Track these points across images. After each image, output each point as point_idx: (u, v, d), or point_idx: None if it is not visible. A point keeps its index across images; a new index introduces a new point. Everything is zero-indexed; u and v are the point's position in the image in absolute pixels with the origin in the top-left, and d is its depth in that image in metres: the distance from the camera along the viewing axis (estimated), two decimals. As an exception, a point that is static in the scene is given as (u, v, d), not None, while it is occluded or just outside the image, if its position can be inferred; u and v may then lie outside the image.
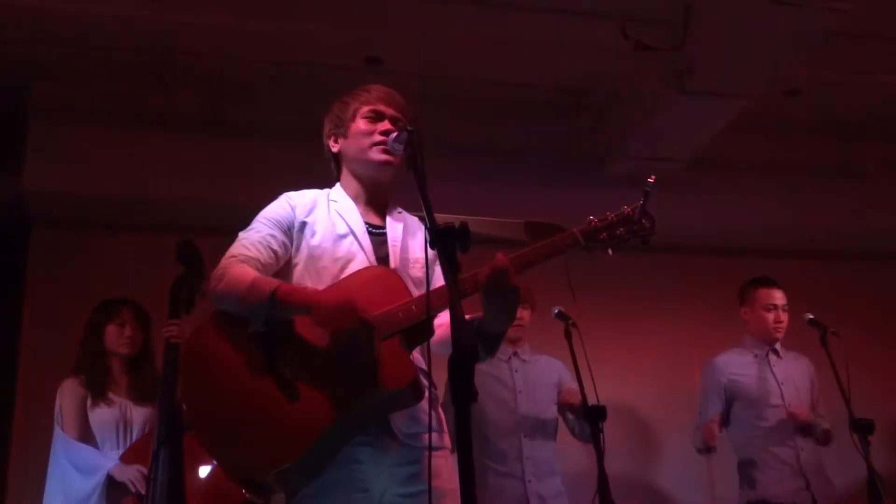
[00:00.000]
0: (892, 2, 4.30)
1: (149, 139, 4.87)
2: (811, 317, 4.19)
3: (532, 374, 4.30)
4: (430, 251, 2.24)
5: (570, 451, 4.48)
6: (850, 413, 3.80)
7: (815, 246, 5.93)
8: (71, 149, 4.77)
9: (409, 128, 2.28)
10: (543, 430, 4.21)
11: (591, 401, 3.71)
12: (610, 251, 2.41)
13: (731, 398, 4.48)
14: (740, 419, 4.45)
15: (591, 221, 2.42)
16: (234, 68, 4.79)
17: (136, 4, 4.18)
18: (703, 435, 4.37)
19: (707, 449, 4.40)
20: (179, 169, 4.86)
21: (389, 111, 2.53)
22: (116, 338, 3.97)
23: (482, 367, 4.10)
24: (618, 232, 2.40)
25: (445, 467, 2.35)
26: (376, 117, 2.52)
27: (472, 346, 1.70)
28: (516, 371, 4.29)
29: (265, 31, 4.50)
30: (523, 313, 4.27)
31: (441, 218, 2.07)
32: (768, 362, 4.50)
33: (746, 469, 4.42)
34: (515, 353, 4.33)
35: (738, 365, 4.52)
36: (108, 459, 3.71)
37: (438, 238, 1.88)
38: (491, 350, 2.34)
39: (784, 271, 4.77)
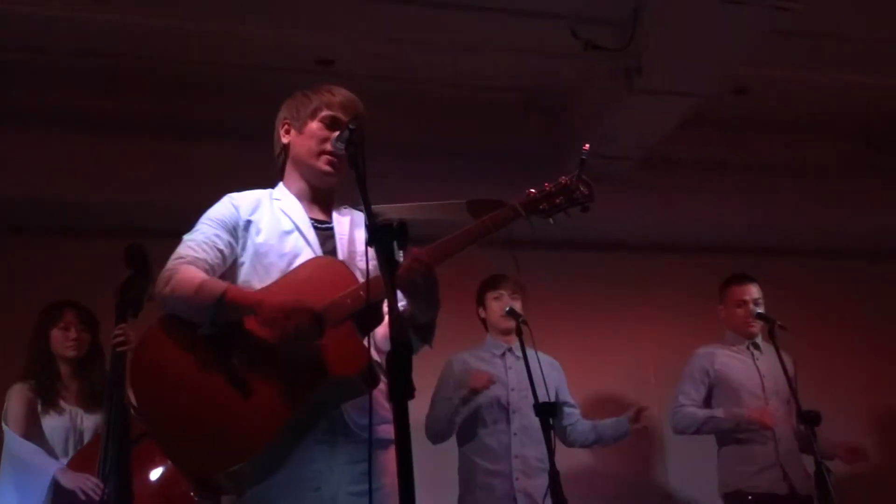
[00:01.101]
0: (838, 0, 4.37)
1: (95, 142, 4.80)
2: (760, 311, 4.25)
3: (527, 372, 4.27)
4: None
5: (564, 450, 4.44)
6: (798, 405, 3.86)
7: (765, 243, 6.01)
8: (14, 152, 4.70)
9: (350, 126, 2.27)
10: (535, 428, 4.15)
11: (542, 398, 3.71)
12: (552, 220, 2.45)
13: (713, 386, 4.55)
14: (721, 408, 4.50)
15: (529, 193, 2.45)
16: (182, 70, 4.76)
17: (82, 5, 4.11)
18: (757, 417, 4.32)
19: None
20: (126, 172, 4.80)
21: (346, 121, 2.48)
22: (62, 341, 3.94)
23: (477, 365, 4.20)
24: (557, 201, 2.43)
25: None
26: (332, 124, 2.50)
27: (406, 341, 1.71)
28: (510, 368, 4.25)
29: (213, 33, 4.47)
30: (516, 304, 4.22)
31: (385, 209, 2.08)
32: (751, 356, 4.57)
33: (725, 459, 4.49)
34: (510, 349, 4.29)
35: (723, 355, 4.59)
36: (52, 462, 3.64)
37: (376, 235, 1.88)
38: (426, 339, 2.37)
39: (735, 268, 4.81)
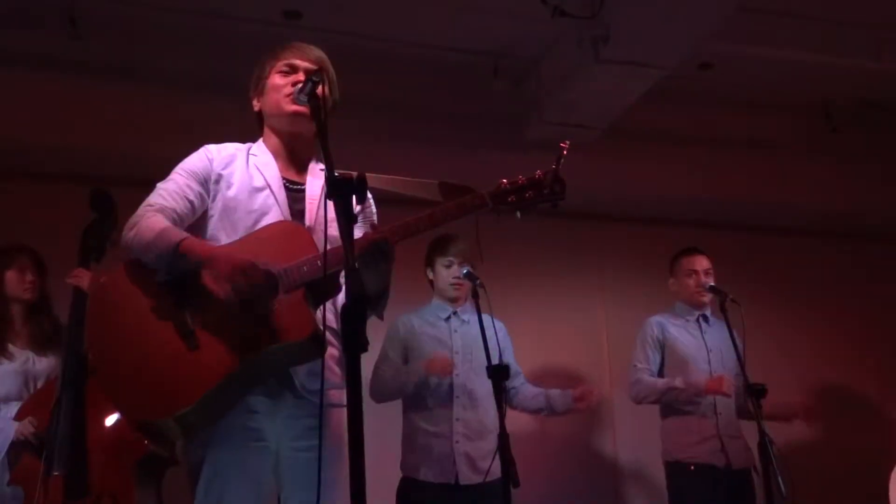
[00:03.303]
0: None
1: (58, 85, 4.69)
2: (711, 284, 4.31)
3: (471, 336, 4.21)
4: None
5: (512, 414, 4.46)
6: (745, 378, 3.92)
7: (726, 217, 6.07)
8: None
9: (314, 78, 2.28)
10: (478, 391, 4.16)
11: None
12: (518, 214, 2.45)
13: (664, 355, 4.61)
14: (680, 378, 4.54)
15: (501, 184, 2.45)
16: (151, 16, 4.65)
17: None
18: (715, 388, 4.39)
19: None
20: (89, 117, 4.70)
21: (304, 64, 2.56)
22: (18, 283, 3.94)
23: (422, 328, 4.22)
24: (527, 195, 2.43)
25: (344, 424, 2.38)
26: (290, 70, 2.56)
27: (362, 295, 1.73)
28: (455, 331, 4.26)
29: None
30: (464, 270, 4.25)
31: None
32: (699, 328, 4.65)
33: (668, 429, 4.57)
34: (455, 313, 4.30)
35: (672, 325, 4.66)
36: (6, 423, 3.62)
37: (335, 188, 1.89)
38: (377, 310, 2.44)
39: (695, 241, 4.85)
